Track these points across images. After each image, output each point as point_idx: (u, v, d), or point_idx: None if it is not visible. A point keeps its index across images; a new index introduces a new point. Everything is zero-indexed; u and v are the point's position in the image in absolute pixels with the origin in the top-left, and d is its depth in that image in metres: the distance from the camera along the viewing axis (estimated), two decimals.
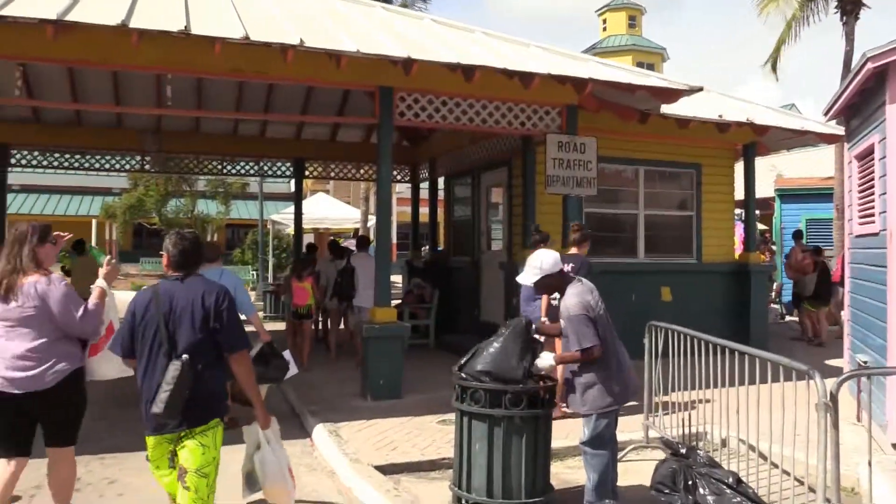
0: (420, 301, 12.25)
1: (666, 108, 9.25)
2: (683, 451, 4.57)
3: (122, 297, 4.86)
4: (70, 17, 6.03)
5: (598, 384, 4.39)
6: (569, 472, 5.71)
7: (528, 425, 4.50)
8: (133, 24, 6.16)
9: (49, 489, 4.32)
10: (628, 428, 6.37)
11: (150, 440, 3.72)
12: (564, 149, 8.62)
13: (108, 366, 4.32)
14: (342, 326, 11.28)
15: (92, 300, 4.25)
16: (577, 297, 4.40)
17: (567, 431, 6.23)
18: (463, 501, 4.62)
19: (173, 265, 3.81)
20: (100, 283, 4.35)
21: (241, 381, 3.85)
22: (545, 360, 4.55)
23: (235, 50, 6.73)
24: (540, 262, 4.53)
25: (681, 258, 11.16)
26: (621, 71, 8.64)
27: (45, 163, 12.81)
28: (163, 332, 3.64)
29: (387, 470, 5.57)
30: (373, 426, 6.77)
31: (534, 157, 9.70)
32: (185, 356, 3.58)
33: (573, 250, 7.47)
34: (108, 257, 4.73)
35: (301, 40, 6.66)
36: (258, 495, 4.62)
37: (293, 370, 6.16)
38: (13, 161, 12.39)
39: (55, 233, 4.42)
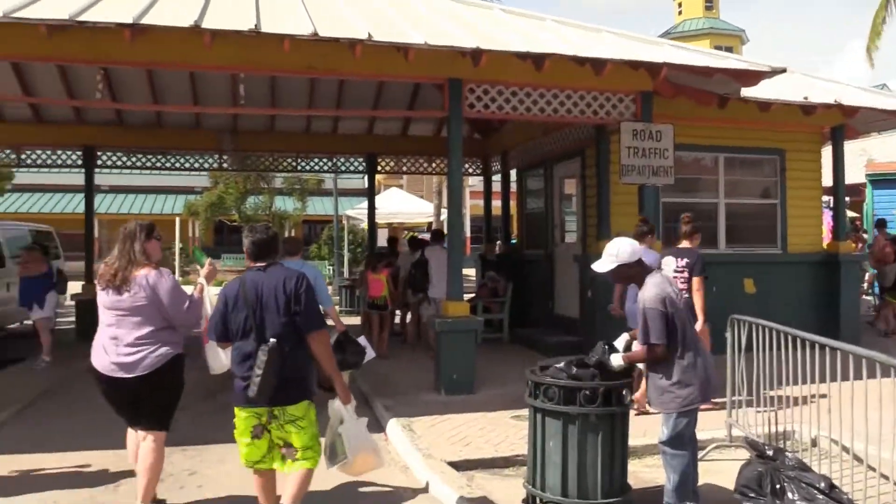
0: (493, 295, 12.15)
1: (746, 92, 8.84)
2: (770, 452, 4.33)
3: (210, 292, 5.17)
4: (145, 21, 6.19)
5: (677, 381, 4.20)
6: (647, 471, 5.52)
7: (604, 423, 4.35)
8: (205, 24, 6.27)
9: (138, 473, 4.58)
10: (710, 426, 6.12)
11: (242, 412, 4.07)
12: (639, 137, 8.36)
13: (221, 360, 4.70)
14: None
15: (195, 294, 4.68)
16: (655, 287, 4.22)
17: (645, 429, 6.03)
18: (537, 500, 4.52)
19: (251, 256, 4.15)
20: (201, 280, 4.85)
21: (321, 359, 4.11)
22: (615, 358, 4.40)
23: (305, 47, 6.78)
24: (616, 251, 4.36)
25: (764, 248, 10.69)
26: (697, 54, 8.31)
27: (128, 163, 13.29)
28: (252, 318, 3.98)
29: (460, 466, 5.52)
30: (446, 421, 6.73)
31: (608, 147, 9.46)
32: (272, 340, 3.91)
33: (684, 243, 7.28)
34: (209, 259, 5.17)
35: (369, 34, 6.65)
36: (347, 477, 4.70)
37: (370, 354, 6.24)
38: (99, 162, 12.88)
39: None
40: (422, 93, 11.65)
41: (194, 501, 5.04)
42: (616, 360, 4.38)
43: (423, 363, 9.24)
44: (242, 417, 4.08)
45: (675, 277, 7.17)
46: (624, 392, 4.41)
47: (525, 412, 6.22)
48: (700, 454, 5.61)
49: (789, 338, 5.12)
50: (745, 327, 5.71)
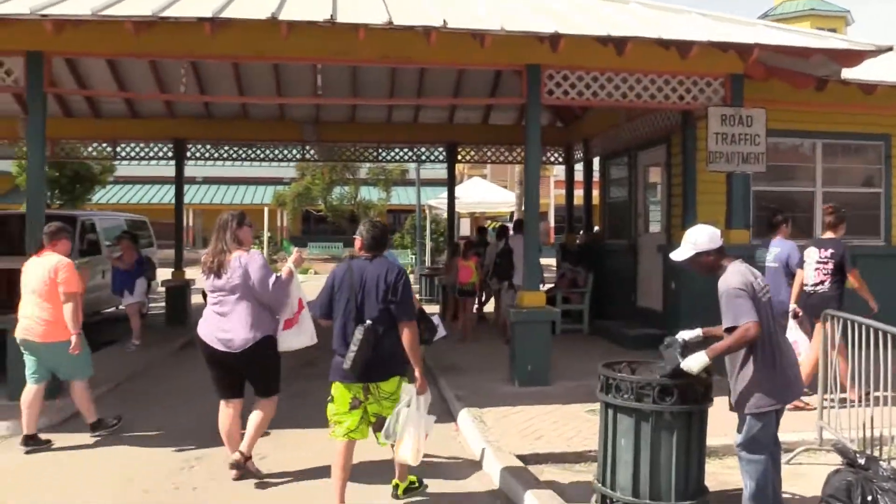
0: (573, 285, 11.91)
1: (847, 73, 8.27)
2: (862, 460, 4.00)
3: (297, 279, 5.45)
4: (224, 14, 6.30)
5: (755, 382, 3.93)
6: (728, 473, 5.24)
7: (680, 421, 4.13)
8: (282, 16, 6.33)
9: (248, 425, 5.21)
10: (800, 427, 5.79)
11: (339, 386, 4.51)
12: (728, 122, 7.96)
13: (296, 339, 5.20)
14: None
15: (283, 275, 5.12)
16: (738, 274, 3.96)
17: (728, 428, 5.73)
18: (607, 500, 4.35)
19: (366, 247, 4.61)
20: (289, 265, 5.22)
21: (407, 346, 4.46)
22: (696, 359, 4.01)
23: (380, 36, 6.76)
24: (695, 238, 4.12)
25: (865, 240, 10.02)
26: (792, 34, 7.83)
27: (216, 155, 13.70)
28: (353, 301, 4.44)
29: (530, 459, 5.39)
30: (518, 413, 6.61)
31: (694, 133, 9.05)
32: (368, 322, 4.37)
33: (828, 234, 7.06)
34: (296, 248, 5.51)
35: (444, 21, 6.56)
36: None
37: (441, 332, 6.25)
38: (189, 154, 13.33)
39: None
40: (502, 80, 11.50)
41: (269, 477, 5.14)
42: (697, 361, 3.98)
43: (500, 352, 9.11)
44: (340, 390, 4.52)
45: (816, 269, 6.85)
46: (703, 389, 4.17)
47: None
48: (787, 457, 5.31)
49: (888, 336, 4.75)
50: (839, 323, 5.34)
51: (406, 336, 4.46)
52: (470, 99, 12.28)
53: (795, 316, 6.82)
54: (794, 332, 6.58)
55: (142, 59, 9.50)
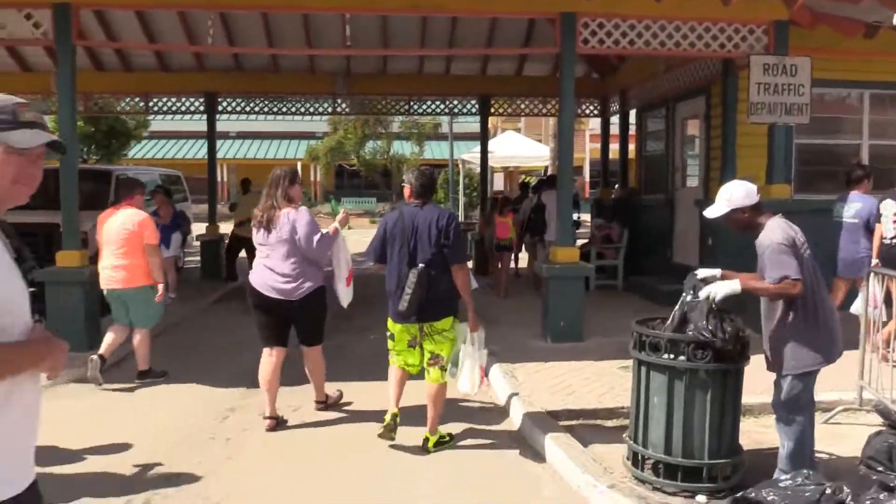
0: (607, 241, 11.75)
1: None
2: None
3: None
4: None
5: (796, 341, 3.80)
6: (763, 432, 5.14)
7: (715, 379, 4.02)
8: None
9: (311, 378, 5.65)
10: (839, 386, 5.63)
11: (397, 326, 4.86)
12: (771, 72, 7.65)
13: (349, 297, 5.50)
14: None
15: (329, 231, 5.31)
16: (779, 230, 3.80)
17: (764, 386, 5.61)
18: (639, 456, 4.29)
19: (415, 194, 4.81)
20: (335, 224, 5.39)
21: (460, 287, 4.75)
22: (726, 284, 3.83)
23: None
24: (729, 195, 3.94)
25: None
26: None
27: (247, 108, 13.64)
28: (406, 246, 4.67)
29: (561, 415, 5.36)
30: (550, 369, 6.57)
31: (735, 84, 8.72)
32: (421, 265, 4.61)
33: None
34: (344, 207, 5.77)
35: None
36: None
37: (474, 284, 6.31)
38: (220, 108, 13.29)
39: None
40: (536, 30, 11.19)
41: (305, 425, 5.19)
42: (727, 286, 3.82)
43: (534, 307, 9.01)
44: (397, 330, 4.87)
45: (895, 222, 6.63)
46: (739, 347, 4.06)
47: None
48: (825, 417, 5.20)
49: None
50: (882, 281, 5.15)
51: (459, 277, 4.72)
52: (503, 49, 11.99)
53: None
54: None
55: (170, 10, 9.40)
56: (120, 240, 6.25)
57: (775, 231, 3.80)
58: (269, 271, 5.21)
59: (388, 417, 4.88)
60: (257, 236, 5.30)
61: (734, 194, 3.94)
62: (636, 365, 4.29)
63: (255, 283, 5.29)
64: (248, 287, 5.36)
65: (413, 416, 5.17)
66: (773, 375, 4.01)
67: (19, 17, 6.92)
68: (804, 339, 3.79)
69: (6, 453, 1.77)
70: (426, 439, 4.92)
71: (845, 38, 8.30)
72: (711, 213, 4.02)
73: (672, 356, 4.02)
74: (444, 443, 4.96)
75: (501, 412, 5.75)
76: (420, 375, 5.02)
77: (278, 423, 5.32)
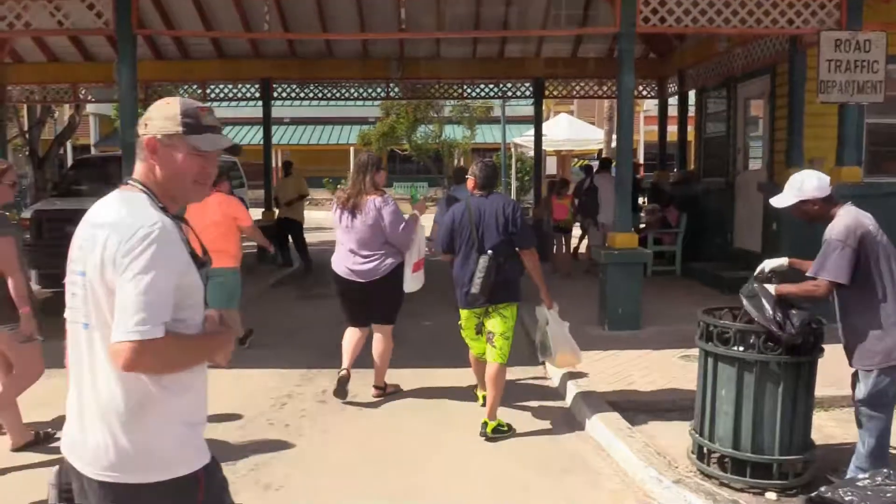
0: (664, 225, 11.47)
1: None
2: None
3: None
4: None
5: (883, 332, 3.60)
6: (834, 426, 4.96)
7: (787, 372, 3.86)
8: None
9: (375, 359, 5.66)
10: None
11: (464, 313, 5.10)
12: (843, 48, 7.29)
13: (417, 283, 5.59)
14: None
15: (410, 219, 5.52)
16: (845, 218, 3.63)
17: (833, 378, 5.39)
18: (705, 450, 4.16)
19: (479, 186, 5.03)
20: (415, 212, 5.62)
21: (531, 270, 4.99)
22: (775, 260, 4.01)
23: None
24: (800, 184, 3.77)
25: None
26: None
27: (301, 94, 13.71)
28: (474, 234, 4.90)
29: (622, 406, 5.24)
30: (608, 358, 6.44)
31: (804, 62, 8.34)
32: (490, 252, 4.80)
33: None
34: (423, 196, 6.15)
35: None
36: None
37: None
38: (275, 94, 13.39)
39: None
40: (593, 8, 10.93)
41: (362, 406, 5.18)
42: (775, 261, 4.01)
43: (591, 291, 8.81)
44: (465, 317, 5.11)
45: None
46: (812, 338, 3.88)
47: (694, 352, 5.78)
48: None
49: None
50: None
51: (530, 260, 4.97)
52: (558, 31, 11.74)
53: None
54: None
55: None
56: (211, 223, 6.24)
57: (839, 225, 3.64)
58: (352, 255, 5.43)
59: (480, 397, 5.38)
60: (340, 219, 5.47)
61: (805, 185, 3.75)
62: (703, 356, 4.15)
63: (338, 270, 5.54)
64: (333, 274, 5.61)
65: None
66: (845, 367, 3.82)
67: (82, 7, 7.04)
68: (888, 331, 3.60)
69: (197, 426, 2.02)
70: (485, 423, 4.88)
71: None
72: (780, 202, 3.85)
73: (742, 348, 3.87)
74: (503, 432, 4.89)
75: (560, 401, 5.66)
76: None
77: (345, 386, 5.50)
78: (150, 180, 2.00)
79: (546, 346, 5.27)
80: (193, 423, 2.00)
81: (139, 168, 2.01)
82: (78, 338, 1.95)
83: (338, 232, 5.56)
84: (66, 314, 1.99)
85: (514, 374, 5.90)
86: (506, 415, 5.11)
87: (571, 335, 5.35)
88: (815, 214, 3.79)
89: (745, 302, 3.90)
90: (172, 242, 1.88)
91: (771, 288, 3.84)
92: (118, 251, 1.82)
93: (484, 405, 5.12)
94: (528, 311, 5.44)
